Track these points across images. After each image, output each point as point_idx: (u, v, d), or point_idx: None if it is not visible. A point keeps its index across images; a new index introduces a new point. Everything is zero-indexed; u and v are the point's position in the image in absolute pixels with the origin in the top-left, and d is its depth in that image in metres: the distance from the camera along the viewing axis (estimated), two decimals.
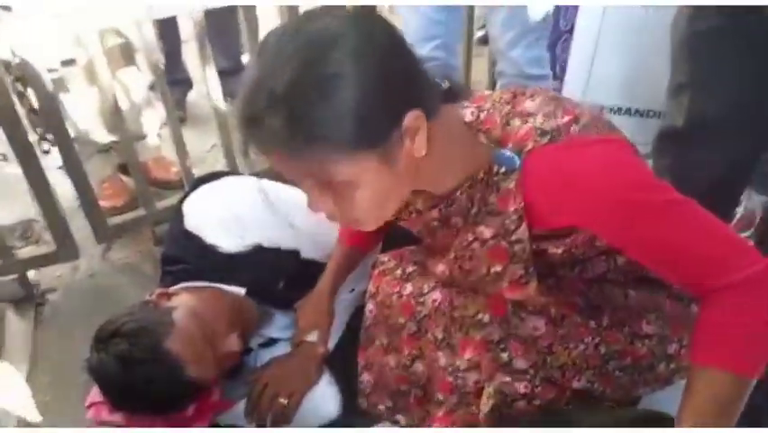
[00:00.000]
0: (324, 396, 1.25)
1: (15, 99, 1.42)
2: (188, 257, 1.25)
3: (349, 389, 1.26)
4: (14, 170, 2.16)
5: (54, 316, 1.63)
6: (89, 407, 1.17)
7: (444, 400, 0.97)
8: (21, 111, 1.44)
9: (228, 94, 2.62)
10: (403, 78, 0.67)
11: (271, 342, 1.36)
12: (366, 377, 1.16)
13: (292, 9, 1.71)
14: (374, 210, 0.75)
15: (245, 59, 2.60)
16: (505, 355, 0.90)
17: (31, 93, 1.42)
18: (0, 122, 1.42)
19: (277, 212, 1.27)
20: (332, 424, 1.24)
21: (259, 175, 1.45)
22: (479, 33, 2.70)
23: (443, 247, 0.96)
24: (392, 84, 0.66)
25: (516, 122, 0.80)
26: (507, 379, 0.90)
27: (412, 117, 0.67)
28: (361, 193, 0.70)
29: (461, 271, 0.91)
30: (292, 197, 1.29)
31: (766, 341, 0.75)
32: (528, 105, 0.82)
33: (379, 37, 0.67)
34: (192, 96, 2.71)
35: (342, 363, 1.30)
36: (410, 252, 1.14)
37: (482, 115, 0.83)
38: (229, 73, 2.58)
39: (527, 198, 0.79)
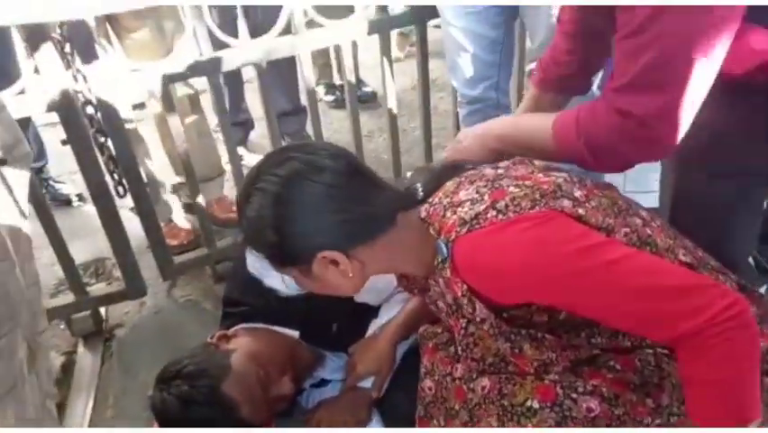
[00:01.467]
0: None
1: (95, 149, 1.53)
2: (248, 299, 1.30)
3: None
4: (90, 209, 2.32)
5: (120, 351, 1.71)
6: None
7: None
8: (100, 158, 1.54)
9: (288, 134, 2.76)
10: (313, 231, 0.84)
11: (323, 382, 1.38)
12: None
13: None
14: (330, 291, 0.94)
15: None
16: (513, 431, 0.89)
17: (109, 142, 1.52)
18: (82, 168, 1.54)
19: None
20: None
21: None
22: (530, 66, 2.69)
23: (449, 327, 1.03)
24: (301, 237, 0.85)
25: (449, 213, 0.87)
26: None
27: (320, 257, 0.85)
28: (313, 283, 0.92)
29: (476, 362, 0.95)
30: None
31: (747, 386, 0.73)
32: (462, 194, 0.88)
33: (302, 195, 0.83)
34: (254, 135, 2.83)
35: (390, 407, 1.30)
36: None
37: (431, 210, 0.91)
38: (289, 114, 2.69)
39: (467, 282, 0.85)
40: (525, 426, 0.89)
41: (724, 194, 1.05)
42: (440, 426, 1.08)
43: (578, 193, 0.86)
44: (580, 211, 0.83)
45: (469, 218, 0.83)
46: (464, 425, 1.00)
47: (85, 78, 1.41)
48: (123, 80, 1.49)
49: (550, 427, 0.88)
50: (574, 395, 0.89)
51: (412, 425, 1.17)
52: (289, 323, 1.28)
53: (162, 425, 1.16)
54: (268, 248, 0.88)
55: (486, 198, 0.84)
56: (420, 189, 0.95)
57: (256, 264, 1.28)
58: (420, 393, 1.12)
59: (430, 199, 0.93)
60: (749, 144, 0.98)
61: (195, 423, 1.10)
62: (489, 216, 0.81)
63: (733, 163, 0.99)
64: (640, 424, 0.88)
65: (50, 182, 2.49)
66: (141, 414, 1.45)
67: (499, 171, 0.92)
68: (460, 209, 0.86)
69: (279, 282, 1.26)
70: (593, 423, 0.88)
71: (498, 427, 0.93)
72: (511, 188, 0.84)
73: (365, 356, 1.29)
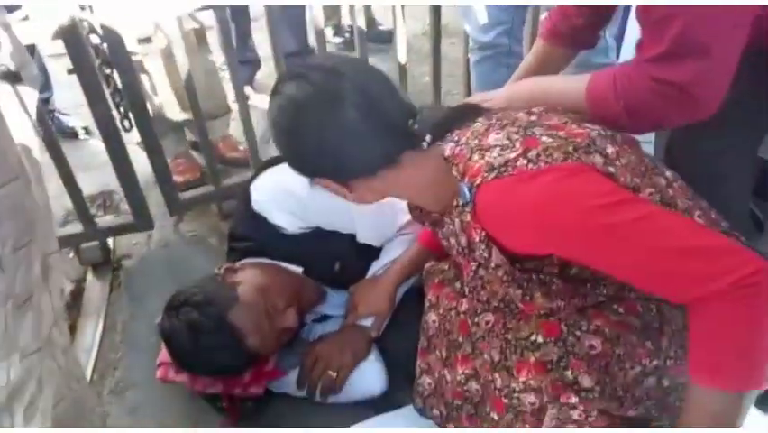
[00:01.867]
0: (372, 372, 1.31)
1: (101, 80, 1.53)
2: (254, 235, 1.33)
3: (394, 366, 1.33)
4: (97, 143, 2.33)
5: (128, 280, 1.76)
6: (159, 366, 1.28)
7: (500, 420, 0.98)
8: (106, 91, 1.55)
9: None
10: (309, 157, 0.87)
11: (324, 318, 1.43)
12: (426, 380, 1.19)
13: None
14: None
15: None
16: (569, 374, 0.90)
17: (115, 74, 1.52)
18: (88, 100, 1.54)
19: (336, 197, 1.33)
20: (376, 399, 1.30)
21: None
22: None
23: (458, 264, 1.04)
24: (299, 156, 0.89)
25: (476, 156, 0.85)
26: (574, 399, 0.89)
27: (317, 181, 0.91)
28: (323, 188, 0.94)
29: (481, 303, 0.96)
30: None
31: (757, 351, 0.72)
32: (491, 138, 0.86)
33: (308, 123, 0.84)
34: (261, 75, 2.79)
35: (388, 344, 1.36)
36: None
37: (456, 150, 0.90)
38: (296, 54, 2.65)
39: (486, 228, 0.85)
40: (527, 359, 0.92)
41: (718, 145, 1.06)
42: (442, 357, 1.12)
43: (610, 149, 0.84)
44: (611, 169, 0.81)
45: (497, 164, 0.81)
46: (466, 356, 1.04)
47: (90, 7, 1.39)
48: (129, 10, 1.47)
49: (552, 360, 0.91)
50: (578, 333, 0.91)
51: (409, 362, 1.22)
52: (293, 260, 1.32)
53: (171, 351, 1.22)
54: (280, 149, 0.92)
55: (517, 144, 0.82)
56: (428, 133, 0.91)
57: (261, 201, 1.31)
58: (423, 326, 1.16)
59: (456, 138, 0.92)
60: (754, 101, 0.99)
61: (202, 350, 1.15)
62: (518, 163, 0.79)
63: (734, 119, 1.00)
64: (639, 364, 0.91)
65: (56, 114, 2.48)
66: (149, 339, 1.51)
67: (532, 118, 0.89)
68: (488, 154, 0.84)
69: (284, 220, 1.29)
70: (594, 360, 0.90)
71: (500, 358, 0.96)
72: (544, 138, 0.82)
73: (366, 296, 1.33)
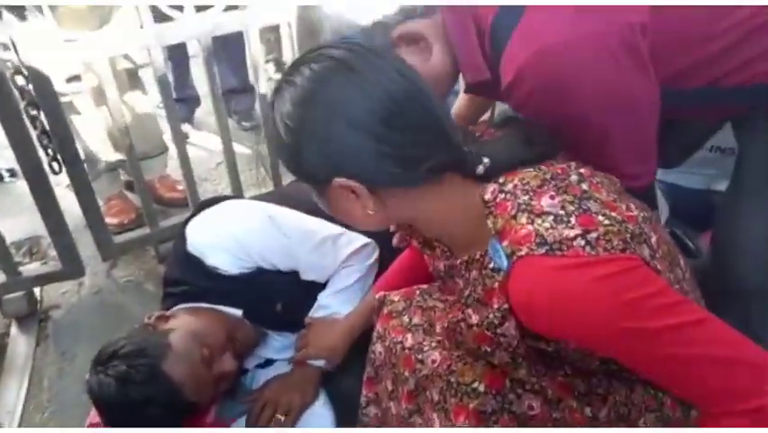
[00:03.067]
0: (320, 415, 1.27)
1: (27, 122, 1.45)
2: (189, 278, 1.27)
3: (343, 408, 1.29)
4: (23, 186, 2.21)
5: (57, 333, 1.65)
6: (89, 426, 1.19)
7: None
8: (32, 132, 1.47)
9: (236, 112, 2.69)
10: (340, 151, 0.74)
11: (267, 363, 1.38)
12: (373, 410, 1.16)
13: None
14: (346, 220, 0.84)
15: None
16: (495, 429, 0.88)
17: (42, 115, 1.45)
18: (11, 143, 1.46)
19: (277, 235, 1.30)
20: None
21: (260, 198, 1.47)
22: None
23: (448, 291, 0.99)
24: (316, 152, 0.74)
25: (523, 218, 0.74)
26: None
27: (336, 184, 0.75)
28: (329, 206, 0.83)
29: (455, 342, 0.91)
30: (294, 220, 1.32)
31: None
32: (546, 202, 0.75)
33: (335, 100, 0.72)
34: (200, 112, 2.75)
35: (334, 384, 1.32)
36: (420, 293, 1.12)
37: (500, 198, 0.78)
38: (237, 92, 2.63)
39: (511, 302, 0.75)
40: (465, 405, 0.90)
41: None
42: (388, 389, 1.09)
43: (653, 238, 0.78)
44: (657, 264, 0.75)
45: (551, 240, 0.70)
46: (410, 393, 1.01)
47: (15, 45, 1.33)
48: (57, 50, 1.42)
49: (485, 412, 0.88)
50: (520, 390, 0.88)
51: (356, 401, 1.19)
52: (232, 302, 1.27)
53: (100, 409, 1.13)
54: (287, 153, 0.77)
55: (573, 220, 0.72)
56: (486, 164, 0.80)
57: (197, 243, 1.26)
58: (370, 355, 1.13)
59: (501, 180, 0.79)
60: None
61: (134, 405, 1.08)
62: (575, 244, 0.70)
63: None
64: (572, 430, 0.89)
65: None
66: (79, 398, 1.41)
67: (584, 187, 0.79)
68: (539, 221, 0.72)
69: (223, 260, 1.25)
70: (527, 422, 0.88)
71: (439, 399, 0.94)
72: (600, 217, 0.73)
73: (319, 340, 1.29)
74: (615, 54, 0.88)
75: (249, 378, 1.36)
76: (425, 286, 1.14)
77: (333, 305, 1.33)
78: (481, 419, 0.88)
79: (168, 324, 1.19)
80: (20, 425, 1.40)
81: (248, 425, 1.24)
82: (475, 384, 0.90)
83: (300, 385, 1.27)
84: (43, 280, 1.70)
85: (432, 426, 0.95)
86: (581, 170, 0.83)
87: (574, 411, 0.88)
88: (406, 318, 1.08)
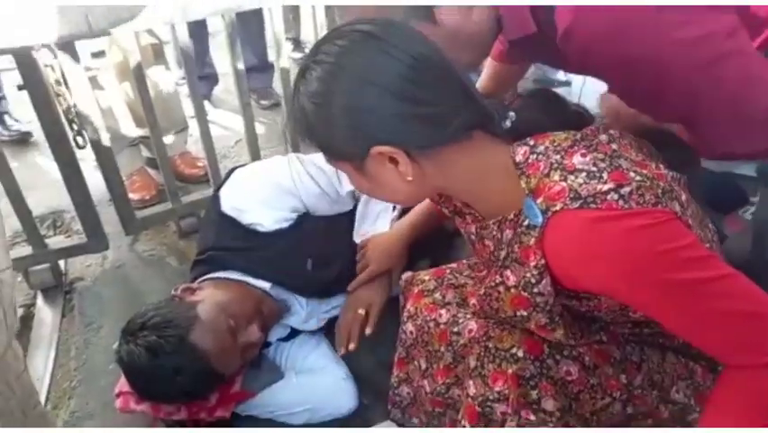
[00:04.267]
0: (342, 390, 1.31)
1: (53, 96, 1.47)
2: (224, 241, 1.30)
3: (363, 384, 1.33)
4: (46, 161, 2.24)
5: (81, 305, 1.68)
6: (118, 396, 1.22)
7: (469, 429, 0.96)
8: (59, 107, 1.49)
9: (254, 90, 2.70)
10: (375, 118, 0.75)
11: (291, 335, 1.40)
12: (405, 390, 1.17)
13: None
14: (385, 196, 0.86)
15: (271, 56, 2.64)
16: (534, 393, 0.89)
17: (68, 91, 1.47)
18: (39, 116, 1.48)
19: (310, 170, 1.34)
20: (346, 418, 1.29)
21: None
22: None
23: (480, 258, 0.99)
24: (352, 123, 0.75)
25: (556, 176, 0.76)
26: (532, 418, 0.88)
27: (375, 151, 0.76)
28: (368, 183, 0.83)
29: (491, 309, 0.91)
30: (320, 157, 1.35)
31: None
32: (577, 160, 0.77)
33: (364, 67, 0.74)
34: (218, 90, 2.75)
35: (358, 361, 1.36)
36: (450, 271, 1.13)
37: (531, 158, 0.79)
38: (255, 70, 2.63)
39: (547, 257, 0.77)
40: (504, 370, 0.91)
41: None
42: (421, 367, 1.10)
43: (683, 196, 0.80)
44: (689, 221, 0.77)
45: (585, 194, 0.72)
46: (448, 366, 1.02)
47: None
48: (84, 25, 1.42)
49: (524, 376, 0.90)
50: (558, 356, 0.90)
51: (378, 379, 1.20)
52: (263, 269, 1.29)
53: (130, 378, 1.16)
54: (320, 135, 0.78)
55: (605, 176, 0.74)
56: (512, 118, 0.82)
57: (232, 201, 1.29)
58: (401, 336, 1.14)
59: (531, 142, 0.81)
60: None
61: (164, 374, 1.11)
62: (609, 197, 0.72)
63: None
64: (609, 396, 0.91)
65: (6, 117, 2.42)
66: (105, 367, 1.45)
67: (614, 146, 0.81)
68: (572, 177, 0.74)
69: (258, 215, 1.28)
70: (566, 387, 0.90)
71: (476, 366, 0.95)
72: (632, 174, 0.75)
73: (378, 253, 1.32)
74: None
75: (272, 350, 1.39)
76: (454, 265, 1.15)
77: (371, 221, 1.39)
78: (520, 383, 0.89)
79: (195, 296, 1.22)
80: (48, 392, 1.43)
81: (338, 325, 1.32)
82: (514, 349, 0.91)
83: (376, 286, 1.33)
84: (68, 252, 1.72)
85: (467, 392, 0.96)
86: (611, 131, 0.85)
87: (610, 378, 0.90)
88: (438, 296, 1.09)
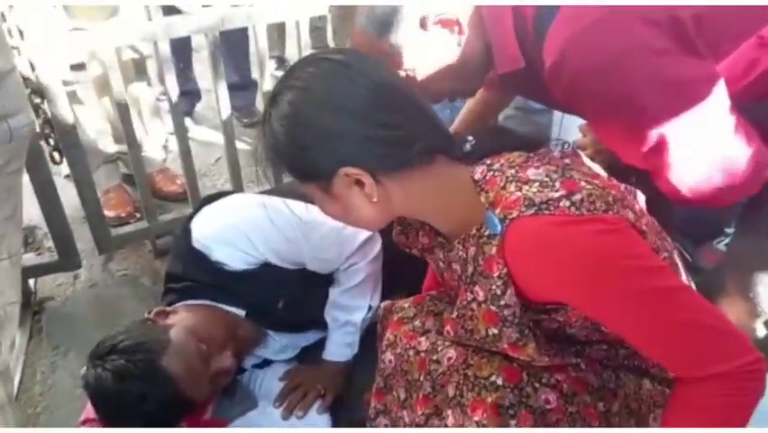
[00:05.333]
0: (318, 421, 1.27)
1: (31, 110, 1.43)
2: (193, 274, 1.26)
3: (342, 414, 1.29)
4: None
5: (50, 326, 1.63)
6: (84, 423, 1.17)
7: None
8: (35, 121, 1.45)
9: (236, 108, 2.67)
10: (341, 141, 0.79)
11: (265, 363, 1.37)
12: (383, 421, 1.15)
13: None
14: (351, 219, 0.88)
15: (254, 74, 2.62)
16: (513, 423, 0.88)
17: (46, 104, 1.43)
18: None
19: (284, 226, 1.28)
20: None
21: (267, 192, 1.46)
22: None
23: (450, 288, 0.99)
24: (320, 146, 0.79)
25: (512, 187, 0.80)
26: None
27: (342, 173, 0.80)
28: (335, 207, 0.86)
29: (465, 331, 0.91)
30: (301, 210, 1.29)
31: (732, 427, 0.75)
32: (531, 172, 0.81)
33: (331, 94, 0.78)
34: (200, 107, 2.73)
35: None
36: (430, 298, 1.13)
37: (488, 175, 0.84)
38: (238, 87, 2.61)
39: (509, 265, 0.80)
40: (483, 399, 0.90)
41: None
42: (400, 398, 1.08)
43: (637, 207, 0.83)
44: (643, 228, 0.81)
45: (539, 201, 0.77)
46: (427, 396, 1.00)
47: (21, 33, 1.31)
48: (63, 39, 1.40)
49: (503, 405, 0.89)
50: (537, 384, 0.90)
51: (353, 408, 1.17)
52: (235, 300, 1.26)
53: (96, 403, 1.11)
54: (288, 157, 0.82)
55: (557, 185, 0.78)
56: (471, 142, 0.87)
57: (203, 238, 1.25)
58: (380, 365, 1.12)
59: (488, 162, 0.86)
60: None
61: (131, 400, 1.06)
62: (561, 204, 0.76)
63: None
64: (588, 425, 0.90)
65: None
66: (73, 392, 1.39)
67: (566, 161, 0.86)
68: (526, 187, 0.79)
69: (228, 256, 1.23)
70: (545, 416, 0.89)
71: (455, 394, 0.93)
72: (583, 183, 0.79)
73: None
74: (659, 26, 0.89)
75: (246, 377, 1.35)
76: (434, 292, 1.14)
77: (345, 301, 1.34)
78: (499, 412, 0.88)
79: (168, 319, 1.18)
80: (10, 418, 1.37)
81: (279, 397, 1.29)
82: (493, 378, 0.90)
83: (332, 376, 1.32)
84: (38, 271, 1.67)
85: (446, 423, 0.94)
86: (565, 150, 0.91)
87: (588, 406, 0.90)
88: (417, 323, 1.07)
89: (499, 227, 0.79)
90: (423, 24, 1.01)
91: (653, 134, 0.94)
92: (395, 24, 1.00)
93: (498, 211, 0.79)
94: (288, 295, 1.31)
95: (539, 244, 0.76)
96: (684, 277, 0.93)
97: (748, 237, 1.03)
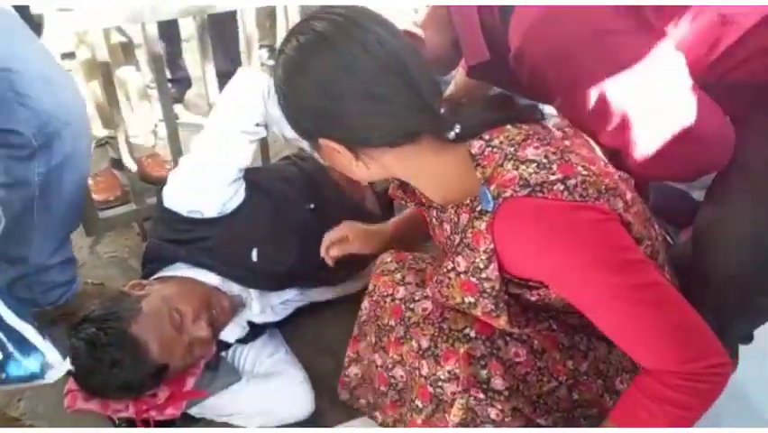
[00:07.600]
0: (299, 394, 1.30)
1: None
2: (167, 234, 1.31)
3: (320, 388, 1.31)
4: None
5: None
6: (66, 394, 1.19)
7: (423, 408, 0.98)
8: None
9: None
10: (315, 115, 0.83)
11: (249, 337, 1.39)
12: (354, 370, 1.18)
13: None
14: (340, 171, 0.92)
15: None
16: (484, 373, 0.91)
17: None
18: None
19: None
20: (302, 423, 1.27)
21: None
22: None
23: (438, 243, 1.02)
24: (302, 115, 0.85)
25: (509, 165, 0.81)
26: (481, 396, 0.91)
27: (323, 142, 0.85)
28: (325, 159, 0.92)
29: (441, 296, 0.94)
30: None
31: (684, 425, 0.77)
32: (530, 152, 0.82)
33: (317, 67, 0.80)
34: (189, 94, 2.74)
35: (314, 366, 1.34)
36: (413, 257, 1.15)
37: (487, 151, 0.84)
38: (227, 75, 2.62)
39: (496, 242, 0.81)
40: (456, 349, 0.93)
41: None
42: (371, 343, 1.11)
43: (628, 195, 0.85)
44: (629, 218, 0.82)
45: (534, 182, 0.77)
46: (398, 340, 1.03)
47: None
48: (50, 19, 1.41)
49: (475, 355, 0.92)
50: (507, 338, 0.94)
51: (335, 383, 1.19)
52: (209, 256, 1.29)
53: (77, 373, 1.14)
54: (283, 111, 0.87)
55: (554, 167, 0.79)
56: (458, 128, 0.85)
57: (172, 194, 1.30)
58: (359, 314, 1.16)
59: (487, 136, 0.86)
60: None
61: (103, 367, 1.09)
62: (555, 188, 0.77)
63: None
64: (556, 380, 0.94)
65: None
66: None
67: (566, 143, 0.87)
68: (523, 167, 0.80)
69: (199, 202, 1.29)
70: (514, 368, 0.93)
71: (429, 345, 0.96)
72: (579, 168, 0.80)
73: (360, 239, 1.23)
74: (617, 10, 0.91)
75: (231, 352, 1.37)
76: (417, 253, 1.17)
77: None
78: (471, 362, 0.91)
79: (143, 291, 1.21)
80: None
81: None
82: (467, 330, 0.94)
83: (379, 239, 1.25)
84: None
85: (419, 372, 0.97)
86: (566, 129, 0.91)
87: (557, 363, 0.94)
88: (398, 276, 1.10)
89: (492, 204, 0.80)
90: None
91: (616, 114, 0.96)
92: None
93: (492, 188, 0.81)
94: (262, 241, 1.33)
95: (528, 225, 0.78)
96: (663, 257, 0.94)
97: (712, 208, 1.05)
